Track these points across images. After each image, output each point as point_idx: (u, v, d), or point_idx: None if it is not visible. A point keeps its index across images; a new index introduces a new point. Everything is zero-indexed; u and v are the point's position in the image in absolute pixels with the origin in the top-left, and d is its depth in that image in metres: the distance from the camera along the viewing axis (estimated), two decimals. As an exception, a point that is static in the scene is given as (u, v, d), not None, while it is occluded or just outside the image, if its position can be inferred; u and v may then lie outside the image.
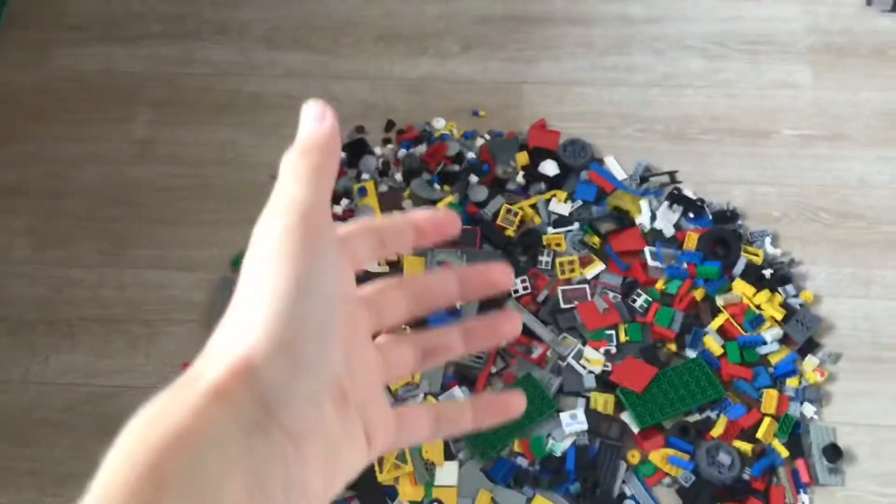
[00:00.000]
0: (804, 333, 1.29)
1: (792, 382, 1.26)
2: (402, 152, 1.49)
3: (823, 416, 1.25)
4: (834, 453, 1.20)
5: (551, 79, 1.58)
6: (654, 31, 1.62)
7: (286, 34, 1.65)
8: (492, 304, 1.26)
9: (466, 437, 1.22)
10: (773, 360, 1.28)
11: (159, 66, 1.62)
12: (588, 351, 1.28)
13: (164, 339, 1.36)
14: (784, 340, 1.30)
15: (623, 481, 1.20)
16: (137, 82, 1.61)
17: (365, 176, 1.47)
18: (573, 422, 1.23)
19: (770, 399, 1.23)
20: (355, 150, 1.50)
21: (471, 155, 1.48)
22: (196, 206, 1.48)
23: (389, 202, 1.44)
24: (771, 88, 1.55)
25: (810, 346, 1.30)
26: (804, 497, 1.18)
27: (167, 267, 1.42)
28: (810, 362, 1.28)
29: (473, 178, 1.45)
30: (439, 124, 1.53)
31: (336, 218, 1.43)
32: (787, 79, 1.56)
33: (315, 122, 0.30)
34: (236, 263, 1.41)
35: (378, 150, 1.50)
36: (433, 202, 1.43)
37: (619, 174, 1.47)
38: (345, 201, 1.44)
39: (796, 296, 1.33)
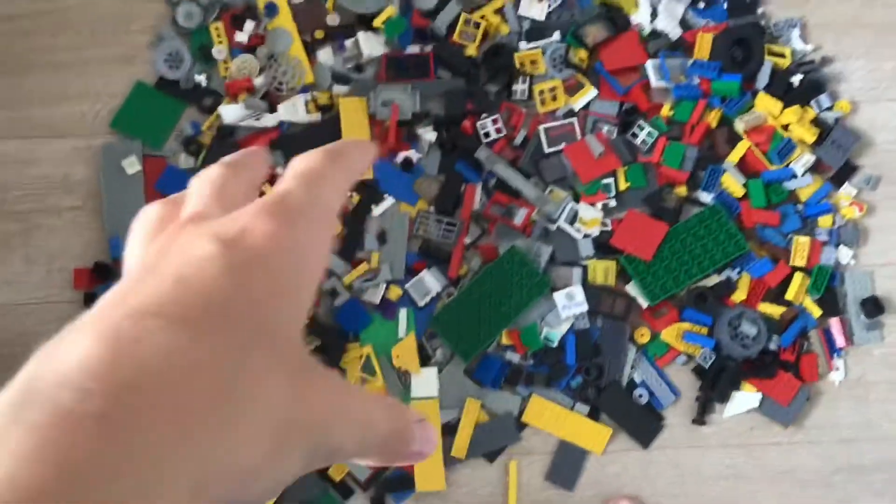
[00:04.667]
0: (840, 157, 1.06)
1: (825, 223, 1.05)
2: (316, -57, 1.10)
3: (860, 260, 1.06)
4: (874, 307, 1.02)
5: None
6: None
7: None
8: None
9: (444, 336, 1.01)
10: (804, 195, 1.05)
11: None
12: (582, 209, 1.03)
13: (44, 234, 1.06)
14: (816, 167, 1.06)
15: (632, 366, 1.02)
16: None
17: (270, -16, 1.09)
18: (570, 303, 1.01)
19: (800, 248, 1.03)
20: (251, -57, 1.10)
21: (409, -60, 1.10)
22: (48, 42, 1.10)
23: (310, 19, 1.08)
24: None
25: (846, 172, 1.07)
26: (838, 362, 1.03)
27: (27, 135, 1.08)
28: (846, 194, 1.06)
29: (417, -23, 1.09)
30: None
31: (242, 49, 1.08)
32: None
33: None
34: (116, 124, 1.07)
35: (283, -57, 1.11)
36: (368, 19, 1.07)
37: (606, -48, 1.12)
38: (250, 24, 1.07)
39: (831, 108, 1.08)
